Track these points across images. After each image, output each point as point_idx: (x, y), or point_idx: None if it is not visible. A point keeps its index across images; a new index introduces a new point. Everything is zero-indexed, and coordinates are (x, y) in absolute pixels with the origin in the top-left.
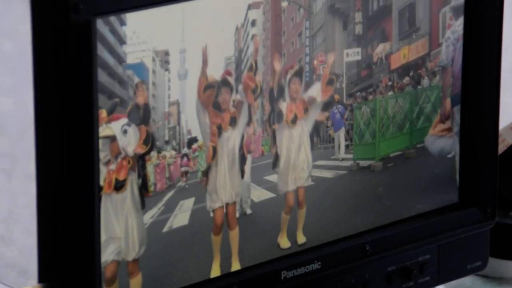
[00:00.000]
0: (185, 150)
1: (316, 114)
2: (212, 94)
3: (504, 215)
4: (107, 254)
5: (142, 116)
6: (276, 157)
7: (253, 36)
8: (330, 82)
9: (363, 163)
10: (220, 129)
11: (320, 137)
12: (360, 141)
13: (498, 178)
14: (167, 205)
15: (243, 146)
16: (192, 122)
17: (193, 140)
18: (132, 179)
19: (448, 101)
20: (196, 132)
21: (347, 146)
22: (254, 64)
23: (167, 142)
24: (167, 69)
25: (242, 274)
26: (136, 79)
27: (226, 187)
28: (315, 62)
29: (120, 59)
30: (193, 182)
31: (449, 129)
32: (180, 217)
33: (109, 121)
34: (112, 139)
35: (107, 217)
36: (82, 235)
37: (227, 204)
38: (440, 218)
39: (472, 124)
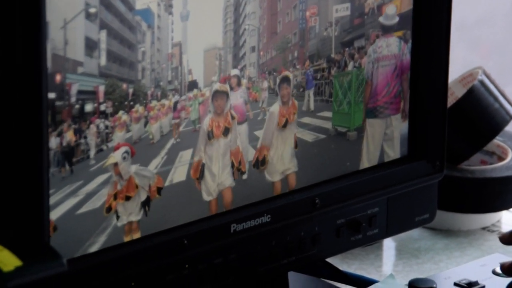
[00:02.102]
0: (184, 97)
1: None
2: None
3: (452, 168)
4: None
5: None
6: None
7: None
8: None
9: (341, 129)
10: None
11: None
12: (338, 109)
13: (447, 132)
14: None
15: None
16: (193, 62)
17: (194, 85)
18: None
19: None
20: (196, 75)
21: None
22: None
23: (170, 82)
24: (170, 13)
25: (191, 227)
26: (144, 24)
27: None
28: (307, 13)
29: (130, 6)
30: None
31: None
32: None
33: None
34: None
35: None
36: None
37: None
38: (389, 171)
39: (421, 78)
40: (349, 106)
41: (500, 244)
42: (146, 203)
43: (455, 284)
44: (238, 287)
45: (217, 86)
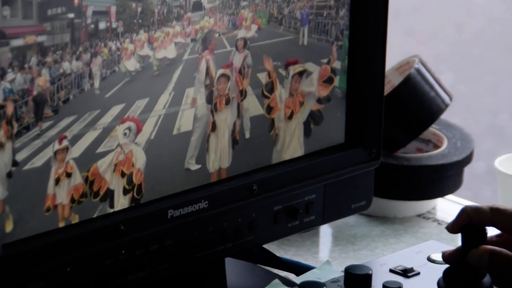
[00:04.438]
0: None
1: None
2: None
3: (388, 156)
4: None
5: None
6: None
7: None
8: (328, 80)
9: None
10: None
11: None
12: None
13: (384, 119)
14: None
15: None
16: None
17: (198, 6)
18: None
19: None
20: None
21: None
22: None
23: None
24: None
25: (128, 213)
26: None
27: None
28: None
29: None
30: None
31: None
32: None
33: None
34: None
35: None
36: None
37: None
38: (326, 158)
39: (358, 65)
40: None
41: (435, 231)
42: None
43: (391, 270)
44: (175, 273)
45: (221, 71)
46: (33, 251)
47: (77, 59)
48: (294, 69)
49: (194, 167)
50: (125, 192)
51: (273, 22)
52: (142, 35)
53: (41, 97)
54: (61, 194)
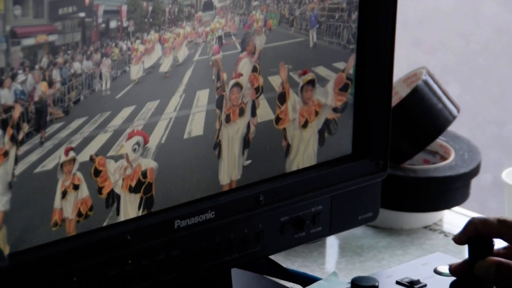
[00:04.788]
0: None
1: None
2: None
3: (396, 167)
4: None
5: None
6: None
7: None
8: (344, 87)
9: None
10: None
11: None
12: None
13: (391, 131)
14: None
15: None
16: None
17: (209, 6)
18: None
19: None
20: None
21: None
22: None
23: None
24: None
25: (135, 223)
26: None
27: None
28: None
29: None
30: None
31: None
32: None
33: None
34: None
35: None
36: None
37: None
38: (333, 169)
39: (366, 77)
40: None
41: (441, 243)
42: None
43: (397, 282)
44: (181, 284)
45: (234, 80)
46: (39, 260)
47: (88, 59)
48: (303, 79)
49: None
50: (133, 202)
51: (284, 23)
52: (153, 36)
53: (43, 103)
54: (67, 208)
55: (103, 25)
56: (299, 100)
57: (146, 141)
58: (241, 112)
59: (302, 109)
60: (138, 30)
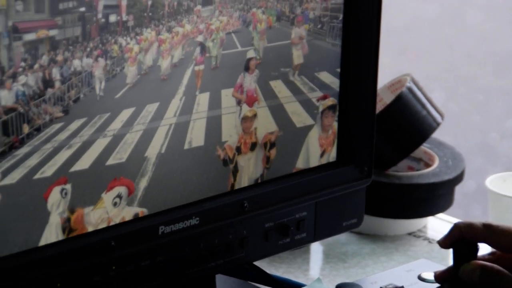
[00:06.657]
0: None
1: None
2: None
3: (380, 174)
4: None
5: None
6: None
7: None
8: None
9: None
10: None
11: None
12: None
13: (375, 137)
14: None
15: None
16: None
17: (207, 1)
18: None
19: None
20: None
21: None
22: None
23: None
24: None
25: (119, 228)
26: None
27: None
28: None
29: None
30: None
31: None
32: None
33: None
34: None
35: None
36: None
37: None
38: (318, 175)
39: (350, 83)
40: None
41: (425, 249)
42: None
43: None
44: None
45: (245, 111)
46: (22, 266)
47: (88, 56)
48: (323, 104)
49: None
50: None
51: (284, 21)
52: (149, 34)
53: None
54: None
55: (103, 20)
56: (317, 129)
57: (131, 191)
58: (252, 148)
59: (321, 138)
60: (138, 24)
